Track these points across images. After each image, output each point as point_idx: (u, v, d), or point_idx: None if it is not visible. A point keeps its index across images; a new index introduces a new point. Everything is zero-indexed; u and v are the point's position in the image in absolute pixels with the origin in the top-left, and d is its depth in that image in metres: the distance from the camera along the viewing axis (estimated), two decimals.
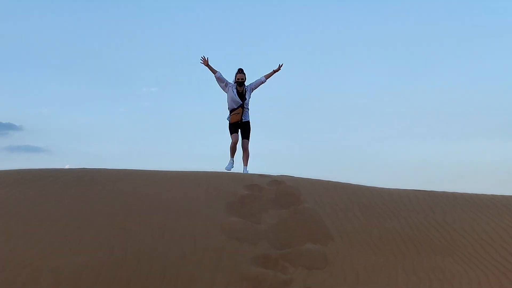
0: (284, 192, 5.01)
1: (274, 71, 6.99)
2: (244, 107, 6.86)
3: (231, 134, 6.84)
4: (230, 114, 6.88)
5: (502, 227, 4.26)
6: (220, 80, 6.95)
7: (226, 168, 6.85)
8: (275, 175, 5.88)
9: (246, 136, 6.85)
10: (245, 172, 6.63)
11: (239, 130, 6.90)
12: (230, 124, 6.90)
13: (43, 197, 4.41)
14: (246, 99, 6.88)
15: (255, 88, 7.01)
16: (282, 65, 6.97)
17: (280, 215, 4.39)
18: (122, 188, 4.83)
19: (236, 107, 6.81)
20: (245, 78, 6.88)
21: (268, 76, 7.04)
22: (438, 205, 4.83)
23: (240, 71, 6.88)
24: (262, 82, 7.02)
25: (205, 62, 6.92)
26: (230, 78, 7.03)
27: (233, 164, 6.88)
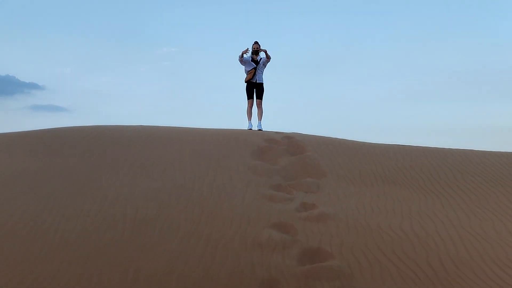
0: (293, 144, 6.71)
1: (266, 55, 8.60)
2: (257, 70, 8.51)
3: (248, 99, 8.55)
4: (247, 73, 8.52)
5: (448, 167, 5.92)
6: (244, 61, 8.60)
7: (248, 128, 8.58)
8: (288, 132, 7.58)
9: (259, 96, 8.55)
10: (259, 126, 8.35)
11: (254, 91, 8.57)
12: (246, 85, 8.54)
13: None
14: (259, 63, 8.51)
15: (265, 64, 8.63)
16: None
17: (289, 160, 6.10)
18: (176, 138, 6.60)
19: (250, 69, 8.47)
20: (260, 48, 8.54)
21: (267, 58, 8.63)
22: (408, 155, 6.48)
23: (256, 42, 8.54)
24: (268, 60, 8.62)
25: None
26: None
27: (251, 125, 8.59)
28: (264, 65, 8.60)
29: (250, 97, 8.54)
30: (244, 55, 8.47)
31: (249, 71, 8.45)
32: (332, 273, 3.47)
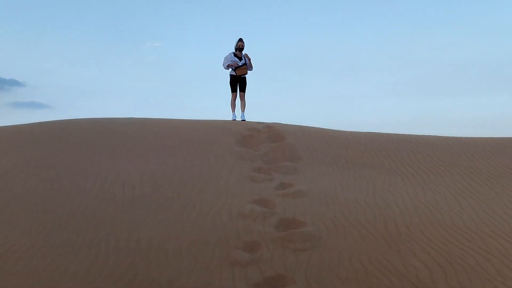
0: (274, 133, 7.36)
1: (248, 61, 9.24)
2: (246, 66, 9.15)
3: (232, 92, 9.16)
4: (235, 69, 9.10)
5: (411, 150, 6.65)
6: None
7: (232, 119, 9.19)
8: (269, 122, 8.22)
9: (243, 89, 9.18)
10: (242, 117, 8.99)
11: (238, 85, 9.18)
12: (231, 79, 9.15)
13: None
14: (243, 60, 9.13)
15: (248, 64, 9.26)
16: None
17: (270, 146, 6.75)
18: (167, 127, 7.20)
19: (241, 65, 9.07)
20: (243, 46, 9.17)
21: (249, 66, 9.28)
22: (376, 140, 7.19)
23: (241, 39, 9.15)
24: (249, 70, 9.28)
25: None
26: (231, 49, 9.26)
27: (235, 116, 9.21)
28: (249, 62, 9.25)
29: (234, 90, 9.16)
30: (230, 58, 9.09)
31: (240, 66, 9.03)
32: (304, 237, 4.13)
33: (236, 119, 9.11)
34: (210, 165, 5.88)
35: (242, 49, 9.13)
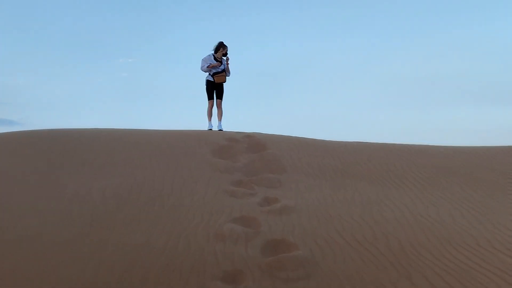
0: (254, 143, 6.74)
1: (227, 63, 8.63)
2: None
3: (208, 99, 8.50)
4: (213, 75, 8.46)
5: (403, 160, 6.10)
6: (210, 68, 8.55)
7: (208, 128, 8.53)
8: (248, 132, 7.60)
9: (220, 97, 8.54)
10: (219, 126, 8.34)
11: (214, 92, 8.55)
12: (207, 85, 8.49)
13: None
14: (223, 66, 8.52)
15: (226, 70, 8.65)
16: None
17: (250, 157, 6.12)
18: (135, 138, 6.49)
19: (220, 70, 8.44)
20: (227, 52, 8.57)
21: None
22: (365, 150, 6.63)
23: (224, 44, 8.51)
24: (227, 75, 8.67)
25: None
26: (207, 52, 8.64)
27: (212, 125, 8.55)
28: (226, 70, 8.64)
29: (211, 97, 8.51)
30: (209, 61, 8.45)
31: (220, 73, 8.40)
32: (296, 262, 3.49)
33: (213, 129, 8.46)
34: (184, 178, 5.20)
35: (226, 55, 8.52)
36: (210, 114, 8.51)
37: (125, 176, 5.13)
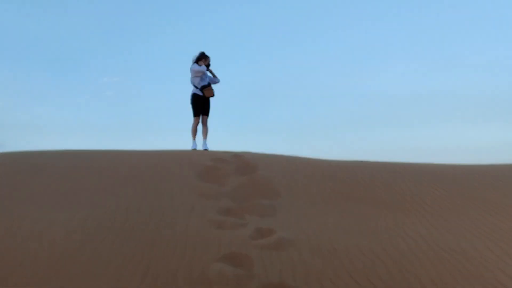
0: (243, 163, 6.07)
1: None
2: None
3: (194, 116, 7.83)
4: (202, 89, 7.80)
5: (409, 180, 5.48)
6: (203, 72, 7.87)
7: (192, 148, 7.83)
8: (237, 151, 6.93)
9: (206, 113, 7.86)
10: (204, 146, 7.66)
11: (200, 108, 7.89)
12: (194, 100, 7.82)
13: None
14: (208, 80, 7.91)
15: (212, 81, 8.02)
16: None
17: (239, 180, 5.44)
18: (108, 160, 5.77)
19: (207, 84, 7.79)
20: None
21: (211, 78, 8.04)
22: (367, 170, 6.00)
23: (206, 54, 7.89)
24: (216, 82, 8.02)
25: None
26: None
27: (196, 144, 7.87)
28: (211, 83, 8.00)
29: (197, 113, 7.82)
30: (203, 68, 7.80)
31: (207, 86, 7.73)
32: None
33: (197, 148, 7.77)
34: (162, 207, 4.50)
35: (209, 66, 7.89)
36: (194, 132, 7.83)
37: (93, 206, 4.41)
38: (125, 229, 3.93)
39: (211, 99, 7.87)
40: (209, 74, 7.91)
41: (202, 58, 7.82)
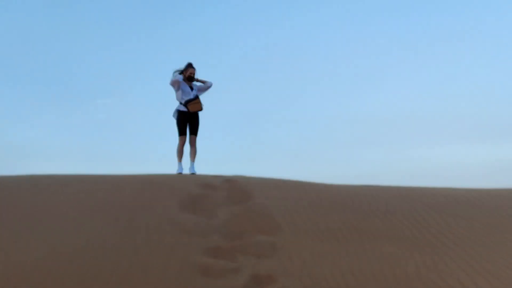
0: (236, 190, 5.18)
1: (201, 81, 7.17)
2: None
3: (179, 134, 6.95)
4: (186, 103, 6.93)
5: (433, 210, 4.61)
6: (178, 82, 7.03)
7: (178, 172, 6.93)
8: (229, 175, 6.05)
9: (194, 131, 6.97)
10: (192, 169, 6.75)
11: (187, 125, 7.02)
12: (179, 117, 6.95)
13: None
14: (194, 91, 7.04)
15: (202, 90, 7.17)
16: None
17: (232, 211, 4.55)
18: (78, 187, 4.87)
19: (193, 97, 6.94)
20: (196, 77, 7.08)
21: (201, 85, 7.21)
22: (380, 196, 5.13)
23: (191, 65, 7.05)
24: (209, 87, 7.19)
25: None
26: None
27: (182, 167, 6.96)
28: (202, 91, 7.14)
29: (183, 132, 6.94)
30: (177, 77, 6.93)
31: (192, 100, 6.86)
32: None
33: (183, 172, 6.89)
34: (136, 246, 3.60)
35: (193, 77, 7.04)
36: (180, 154, 6.94)
37: (52, 244, 3.50)
38: (89, 272, 3.03)
39: (201, 115, 7.02)
40: (197, 84, 7.04)
41: (188, 69, 7.00)
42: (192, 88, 7.00)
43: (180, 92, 6.92)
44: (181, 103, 6.92)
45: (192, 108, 6.84)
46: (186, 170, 6.88)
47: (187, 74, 6.94)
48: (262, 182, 5.65)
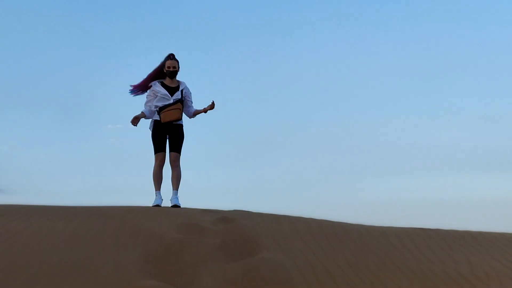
0: (236, 234, 3.44)
1: (205, 110, 5.35)
2: (182, 105, 5.29)
3: (155, 151, 5.20)
4: (160, 111, 5.22)
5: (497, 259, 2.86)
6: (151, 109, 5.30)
7: (154, 204, 5.15)
8: (225, 210, 4.33)
9: (176, 147, 5.22)
10: (175, 200, 4.98)
11: (167, 140, 5.30)
12: (158, 128, 5.25)
13: None
14: (177, 95, 5.30)
15: (189, 97, 5.41)
16: (213, 103, 5.27)
17: (226, 273, 2.80)
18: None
19: (172, 102, 5.22)
20: (178, 68, 5.34)
21: (196, 113, 5.42)
22: (435, 240, 3.38)
23: (172, 56, 5.34)
24: (189, 113, 5.43)
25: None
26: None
27: (161, 198, 5.21)
28: (189, 99, 5.42)
29: (160, 148, 5.21)
30: (153, 86, 5.24)
31: (171, 105, 5.15)
32: None
33: (161, 204, 5.15)
34: None
35: (175, 73, 5.34)
36: (158, 178, 5.20)
37: None
38: None
39: (185, 126, 5.25)
40: (186, 91, 5.34)
41: (166, 62, 5.27)
42: (174, 91, 5.26)
43: (151, 98, 5.22)
44: (155, 110, 5.20)
45: (164, 116, 5.13)
46: (165, 202, 5.12)
47: (166, 69, 5.25)
48: (273, 221, 3.91)
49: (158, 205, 5.03)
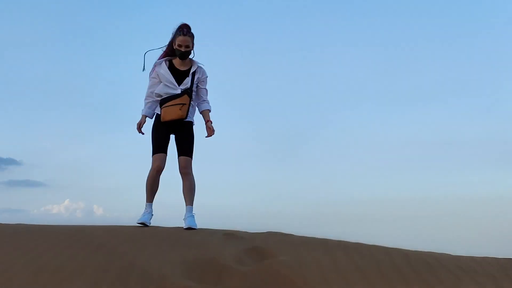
0: (273, 279, 2.31)
1: (207, 127, 3.95)
2: (191, 98, 4.02)
3: (153, 152, 3.96)
4: (162, 104, 3.99)
5: None
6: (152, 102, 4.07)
7: (140, 221, 3.89)
8: (254, 232, 3.20)
9: (186, 150, 3.87)
10: (189, 219, 3.71)
11: (168, 139, 4.08)
12: (158, 127, 4.02)
13: None
14: (187, 82, 4.02)
15: (203, 84, 4.11)
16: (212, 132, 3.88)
17: None
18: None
19: (179, 92, 3.97)
20: (193, 46, 4.06)
21: (202, 115, 4.08)
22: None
23: (185, 31, 3.99)
24: (198, 108, 4.10)
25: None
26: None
27: (151, 213, 3.98)
28: (203, 86, 4.06)
29: (159, 149, 3.81)
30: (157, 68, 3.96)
31: (174, 99, 3.84)
32: None
33: (148, 223, 3.84)
34: None
35: (188, 53, 4.09)
36: (152, 187, 3.89)
37: None
38: None
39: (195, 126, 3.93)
40: (200, 75, 3.98)
41: (176, 36, 3.94)
42: (182, 76, 3.99)
43: (161, 85, 3.95)
44: (160, 103, 3.95)
45: (164, 114, 3.85)
46: (155, 219, 3.82)
47: (176, 47, 3.94)
48: (326, 255, 2.77)
49: (144, 224, 3.73)
